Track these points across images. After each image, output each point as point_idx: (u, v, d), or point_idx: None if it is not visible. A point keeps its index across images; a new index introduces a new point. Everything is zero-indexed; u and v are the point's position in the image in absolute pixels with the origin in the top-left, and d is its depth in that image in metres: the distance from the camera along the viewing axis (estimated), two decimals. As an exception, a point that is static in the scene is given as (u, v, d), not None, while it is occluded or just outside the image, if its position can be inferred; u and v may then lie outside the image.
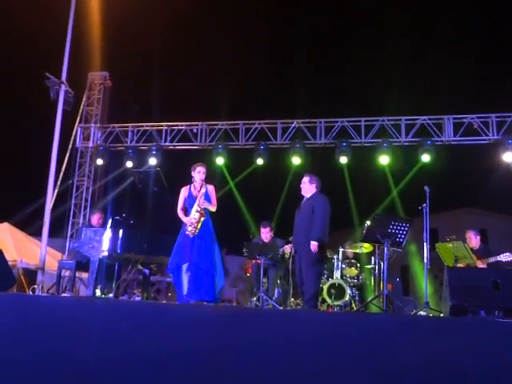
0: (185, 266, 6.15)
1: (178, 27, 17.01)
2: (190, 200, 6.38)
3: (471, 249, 7.27)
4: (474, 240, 7.43)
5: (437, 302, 7.70)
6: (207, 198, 6.36)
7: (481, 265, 7.00)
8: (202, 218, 6.23)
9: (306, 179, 6.66)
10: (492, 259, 7.00)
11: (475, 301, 5.06)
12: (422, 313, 6.19)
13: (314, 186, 6.63)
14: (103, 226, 7.94)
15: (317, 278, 6.51)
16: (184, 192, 6.47)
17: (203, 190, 6.35)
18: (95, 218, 8.38)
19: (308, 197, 6.61)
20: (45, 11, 12.93)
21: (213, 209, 6.38)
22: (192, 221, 6.22)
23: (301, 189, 6.70)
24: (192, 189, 6.43)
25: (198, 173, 6.43)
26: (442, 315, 5.74)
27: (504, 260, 6.83)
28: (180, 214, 6.38)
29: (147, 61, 17.12)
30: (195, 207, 6.28)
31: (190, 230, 6.21)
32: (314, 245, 6.19)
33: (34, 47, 16.13)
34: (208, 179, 6.63)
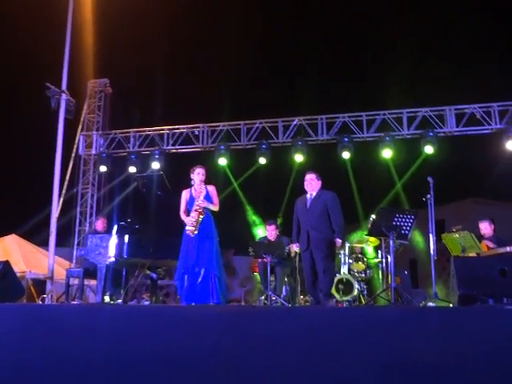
0: (189, 275, 6.22)
1: (175, 29, 17.03)
2: (192, 202, 6.37)
3: (484, 237, 7.29)
4: (489, 229, 7.46)
5: (447, 293, 7.69)
6: (208, 198, 6.37)
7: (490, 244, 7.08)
8: (201, 217, 6.25)
9: (313, 176, 6.66)
10: (501, 250, 6.98)
11: (483, 289, 5.04)
12: (430, 304, 6.18)
13: (320, 182, 6.68)
14: (108, 230, 7.98)
15: (334, 273, 7.04)
16: (185, 194, 6.48)
17: (204, 192, 6.37)
18: (99, 223, 8.49)
19: (315, 194, 6.61)
20: (42, 21, 12.98)
21: (215, 208, 6.40)
22: (192, 220, 6.24)
23: (305, 185, 6.70)
24: (193, 191, 6.45)
25: (198, 174, 6.44)
26: (451, 305, 5.72)
27: None
28: (182, 216, 6.40)
29: (146, 66, 17.16)
30: (195, 207, 6.31)
31: (189, 229, 6.23)
32: (339, 242, 6.48)
33: (33, 57, 16.18)
34: (211, 180, 6.64)
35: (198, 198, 6.32)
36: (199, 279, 6.12)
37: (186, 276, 6.19)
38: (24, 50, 16.06)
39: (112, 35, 12.61)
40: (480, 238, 7.27)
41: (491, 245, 7.21)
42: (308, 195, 6.66)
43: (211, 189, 6.46)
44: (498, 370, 2.53)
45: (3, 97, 16.21)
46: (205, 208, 6.31)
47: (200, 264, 6.15)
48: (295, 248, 7.05)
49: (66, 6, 10.06)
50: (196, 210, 6.25)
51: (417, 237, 11.26)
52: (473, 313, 3.77)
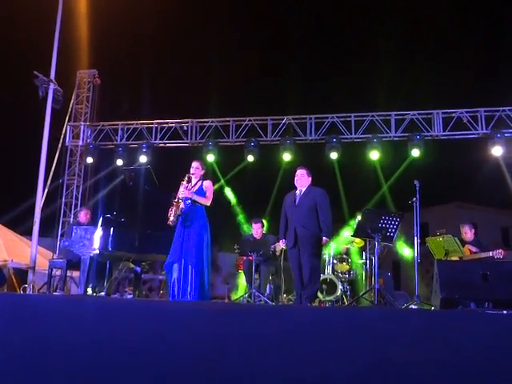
0: (176, 265, 6.19)
1: (167, 25, 16.96)
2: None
3: (465, 241, 7.35)
4: (469, 233, 7.52)
5: (429, 296, 7.76)
6: (201, 192, 6.37)
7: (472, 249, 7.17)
8: (180, 206, 6.25)
9: (304, 171, 6.61)
10: (484, 254, 7.07)
11: (465, 293, 5.10)
12: (412, 306, 6.22)
13: (311, 178, 6.63)
14: (91, 221, 7.93)
15: (320, 272, 6.90)
16: (181, 188, 6.49)
17: (198, 185, 6.40)
18: (82, 215, 8.40)
19: (305, 190, 6.56)
20: (33, 10, 12.84)
21: (205, 202, 6.37)
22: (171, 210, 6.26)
23: (295, 181, 6.63)
24: (189, 185, 6.46)
25: (191, 168, 6.48)
26: (433, 308, 5.77)
27: (496, 257, 6.92)
28: None
29: (136, 59, 17.07)
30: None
31: (170, 220, 6.23)
32: (326, 240, 6.39)
33: (22, 45, 16.01)
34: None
35: (183, 189, 6.35)
36: (179, 272, 6.14)
37: (173, 266, 6.18)
38: (13, 39, 15.88)
39: (103, 26, 12.53)
40: (463, 242, 7.34)
41: (474, 249, 7.28)
42: (297, 191, 6.60)
43: (206, 183, 6.46)
44: (478, 373, 2.55)
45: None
46: (193, 201, 6.31)
47: (182, 256, 6.16)
48: (281, 245, 7.02)
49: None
50: (174, 201, 6.27)
51: (400, 239, 11.33)
52: (454, 316, 3.81)
